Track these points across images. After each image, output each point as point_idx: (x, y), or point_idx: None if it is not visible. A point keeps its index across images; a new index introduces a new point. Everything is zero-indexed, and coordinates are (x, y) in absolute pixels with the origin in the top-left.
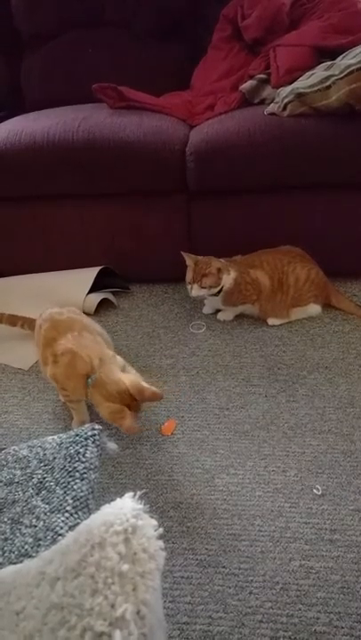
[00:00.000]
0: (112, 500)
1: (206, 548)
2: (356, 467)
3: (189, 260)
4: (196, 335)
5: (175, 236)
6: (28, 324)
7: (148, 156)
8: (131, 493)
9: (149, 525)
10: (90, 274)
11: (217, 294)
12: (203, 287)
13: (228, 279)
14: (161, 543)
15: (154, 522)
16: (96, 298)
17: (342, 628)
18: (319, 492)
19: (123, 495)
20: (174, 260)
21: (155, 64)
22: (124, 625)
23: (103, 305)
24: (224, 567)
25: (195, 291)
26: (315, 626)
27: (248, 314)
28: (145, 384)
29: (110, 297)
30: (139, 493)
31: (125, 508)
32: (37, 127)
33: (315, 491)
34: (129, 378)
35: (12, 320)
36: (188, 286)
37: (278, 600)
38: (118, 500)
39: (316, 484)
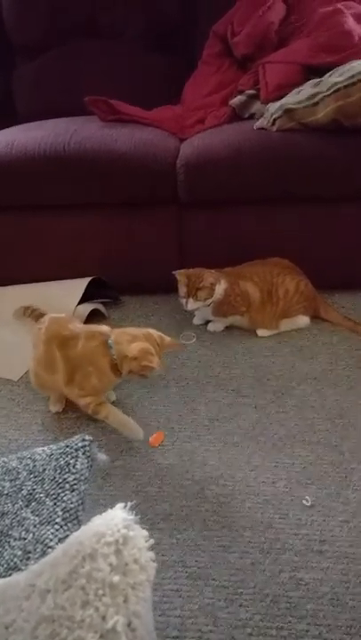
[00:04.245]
0: (102, 512)
1: (196, 560)
2: (345, 478)
3: (181, 276)
4: (187, 346)
5: (166, 246)
6: None
7: (139, 168)
8: (121, 504)
9: (140, 536)
10: (80, 284)
11: (208, 304)
12: (198, 300)
13: (218, 290)
14: (152, 554)
15: (145, 533)
16: (86, 308)
17: None
18: (308, 504)
19: (112, 507)
20: (165, 271)
21: (146, 76)
22: (115, 637)
23: (94, 315)
24: (214, 579)
25: (190, 304)
26: (305, 638)
27: (238, 325)
28: None
29: (101, 307)
30: (130, 504)
31: (116, 518)
32: (29, 138)
33: (304, 502)
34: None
35: (39, 317)
36: (183, 300)
37: (268, 612)
38: (109, 510)
39: (306, 495)
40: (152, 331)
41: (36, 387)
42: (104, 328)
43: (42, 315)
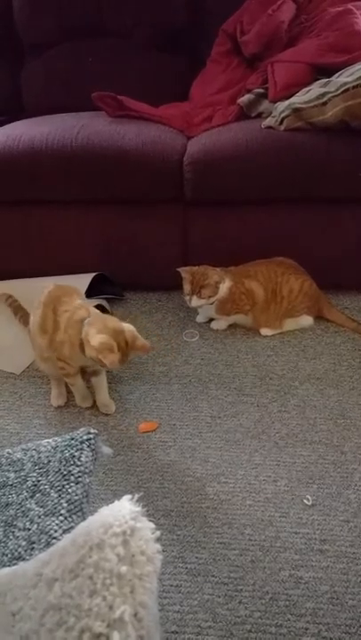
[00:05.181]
0: (102, 507)
1: (196, 557)
2: (347, 477)
3: (185, 273)
4: (189, 344)
5: (171, 244)
6: None
7: (145, 164)
8: (128, 496)
9: (147, 528)
10: (84, 280)
11: (211, 302)
12: (202, 298)
13: (222, 288)
14: (158, 546)
15: (151, 525)
16: (90, 303)
17: (331, 639)
18: (309, 503)
19: (112, 502)
20: (169, 268)
21: (154, 74)
22: (122, 627)
23: None
24: (214, 576)
25: (194, 302)
26: (303, 636)
27: (241, 324)
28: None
29: (104, 303)
30: (136, 496)
31: (123, 509)
32: (36, 132)
33: (305, 501)
34: (128, 325)
35: (17, 309)
36: (187, 297)
37: (268, 610)
38: (116, 502)
39: (307, 494)
40: (128, 329)
41: (38, 360)
42: (93, 310)
43: (20, 307)
